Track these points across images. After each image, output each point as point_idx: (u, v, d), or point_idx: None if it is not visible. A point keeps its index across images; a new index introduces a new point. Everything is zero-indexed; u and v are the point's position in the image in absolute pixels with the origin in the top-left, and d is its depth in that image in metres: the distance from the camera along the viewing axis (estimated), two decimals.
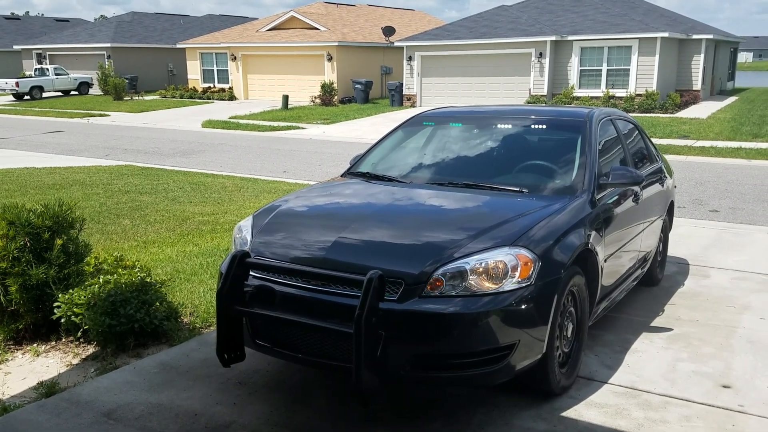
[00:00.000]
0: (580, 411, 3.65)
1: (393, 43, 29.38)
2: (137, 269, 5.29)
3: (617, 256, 4.57)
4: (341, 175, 5.00)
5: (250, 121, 23.20)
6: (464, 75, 26.38)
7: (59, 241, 4.68)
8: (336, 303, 3.31)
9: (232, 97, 32.19)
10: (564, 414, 3.62)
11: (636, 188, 4.94)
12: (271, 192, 11.18)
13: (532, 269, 3.38)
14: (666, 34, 23.64)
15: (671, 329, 4.95)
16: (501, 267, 3.33)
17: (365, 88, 27.83)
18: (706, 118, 21.48)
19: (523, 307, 3.32)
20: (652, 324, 5.07)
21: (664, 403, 3.75)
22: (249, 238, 3.89)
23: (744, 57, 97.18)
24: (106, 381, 4.02)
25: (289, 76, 30.96)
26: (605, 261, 4.26)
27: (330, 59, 29.22)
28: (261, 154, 16.35)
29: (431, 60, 27.00)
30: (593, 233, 4.02)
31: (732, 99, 28.92)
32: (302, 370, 4.15)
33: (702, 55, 26.41)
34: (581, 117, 4.88)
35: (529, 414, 3.62)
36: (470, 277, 3.29)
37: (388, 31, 30.70)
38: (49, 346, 4.61)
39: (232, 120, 23.63)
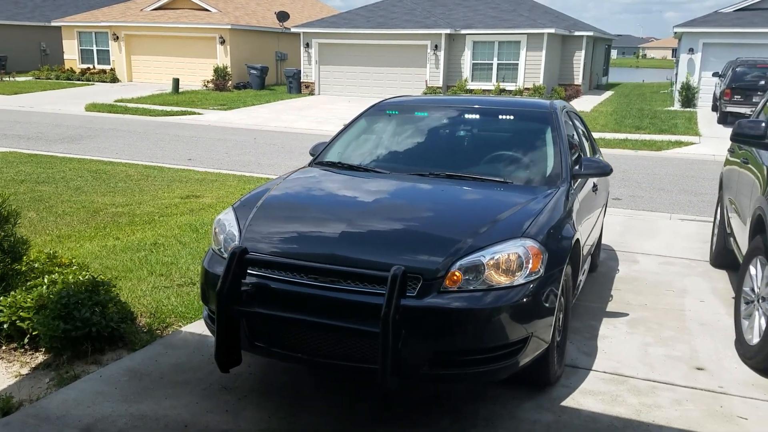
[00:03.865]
0: (578, 399, 3.71)
1: (289, 29, 28.79)
2: (75, 267, 4.84)
3: (585, 244, 4.68)
4: (309, 165, 4.78)
5: (139, 105, 21.96)
6: (363, 64, 26.34)
7: None
8: (352, 301, 3.14)
9: (114, 79, 30.32)
10: (564, 404, 3.65)
11: (595, 178, 5.08)
12: (182, 181, 10.64)
13: (541, 261, 3.37)
14: (552, 30, 24.71)
15: (627, 314, 5.15)
16: (514, 259, 3.29)
17: (261, 74, 27.11)
18: (590, 111, 22.69)
19: (536, 299, 3.31)
20: (608, 310, 5.25)
21: (651, 387, 3.88)
22: (237, 233, 3.61)
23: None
24: (74, 392, 3.61)
25: (178, 58, 29.57)
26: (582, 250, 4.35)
27: (222, 42, 28.19)
28: (159, 140, 15.52)
29: (329, 48, 26.74)
30: (575, 222, 4.09)
31: (609, 93, 30.77)
32: (289, 372, 3.94)
33: (583, 52, 27.90)
34: (546, 108, 4.95)
35: (531, 405, 3.62)
36: (487, 271, 3.23)
37: (282, 16, 30.06)
38: None
39: (118, 103, 22.26)
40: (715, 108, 21.87)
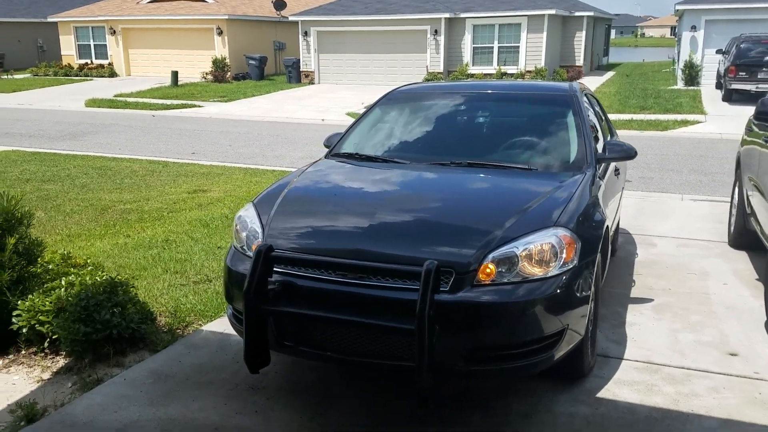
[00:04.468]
0: (613, 390, 3.63)
1: (286, 17, 28.54)
2: (91, 267, 4.76)
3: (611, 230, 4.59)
4: (326, 157, 4.68)
5: (139, 99, 21.82)
6: (362, 51, 26.12)
7: (12, 241, 4.08)
8: (383, 297, 3.05)
9: (112, 74, 30.12)
10: (599, 395, 3.58)
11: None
12: (188, 175, 10.54)
13: (575, 250, 3.28)
14: (552, 11, 24.44)
15: (652, 299, 5.06)
16: (548, 250, 3.19)
17: (260, 64, 26.90)
18: (593, 92, 22.44)
19: (571, 290, 3.22)
20: (632, 295, 5.17)
21: (686, 375, 3.80)
22: (259, 230, 3.52)
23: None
24: (99, 397, 3.54)
25: (176, 51, 29.34)
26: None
27: (220, 33, 27.95)
28: (161, 134, 15.42)
29: (328, 36, 26.51)
30: (603, 208, 3.99)
31: (610, 74, 30.52)
32: (315, 369, 3.86)
33: (584, 32, 27.60)
34: (566, 91, 4.84)
35: (566, 398, 3.55)
36: (520, 263, 3.14)
37: (279, 5, 29.77)
38: (7, 360, 4.02)
39: (118, 98, 22.12)
40: (719, 86, 21.67)
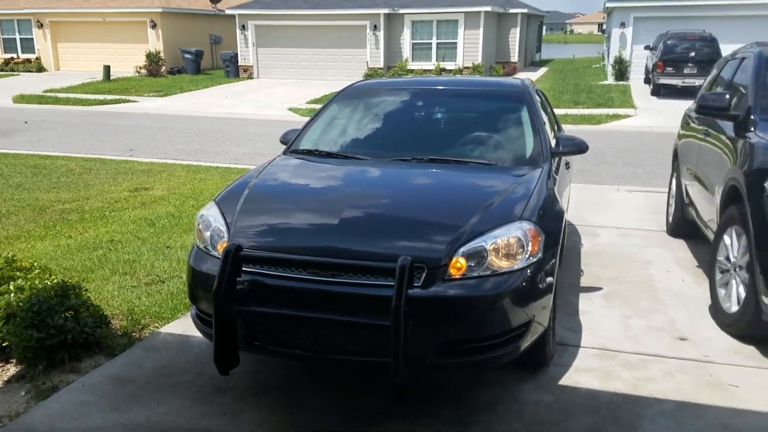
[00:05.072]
0: (574, 378, 3.74)
1: (223, 11, 28.03)
2: (38, 270, 4.58)
3: None
4: (284, 153, 4.63)
5: (71, 95, 21.02)
6: (302, 46, 25.90)
7: None
8: (356, 294, 3.04)
9: (40, 69, 28.93)
10: (561, 383, 3.68)
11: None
12: (127, 173, 10.25)
13: (539, 243, 3.36)
14: (489, 8, 24.83)
15: (601, 288, 5.22)
16: (515, 243, 3.26)
17: (196, 58, 26.34)
18: None
19: (536, 282, 3.29)
20: (582, 285, 5.31)
21: (641, 361, 3.95)
22: (224, 229, 3.46)
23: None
24: (57, 404, 3.41)
25: (107, 44, 28.41)
26: None
27: (154, 26, 27.20)
28: (95, 131, 14.93)
29: (266, 30, 26.15)
30: (560, 201, 4.10)
31: (543, 69, 31.23)
32: (282, 367, 3.83)
33: (518, 29, 28.16)
34: (519, 87, 4.94)
35: (530, 387, 3.63)
36: (489, 257, 3.19)
37: None
38: None
39: (48, 94, 21.26)
40: (647, 80, 22.47)
